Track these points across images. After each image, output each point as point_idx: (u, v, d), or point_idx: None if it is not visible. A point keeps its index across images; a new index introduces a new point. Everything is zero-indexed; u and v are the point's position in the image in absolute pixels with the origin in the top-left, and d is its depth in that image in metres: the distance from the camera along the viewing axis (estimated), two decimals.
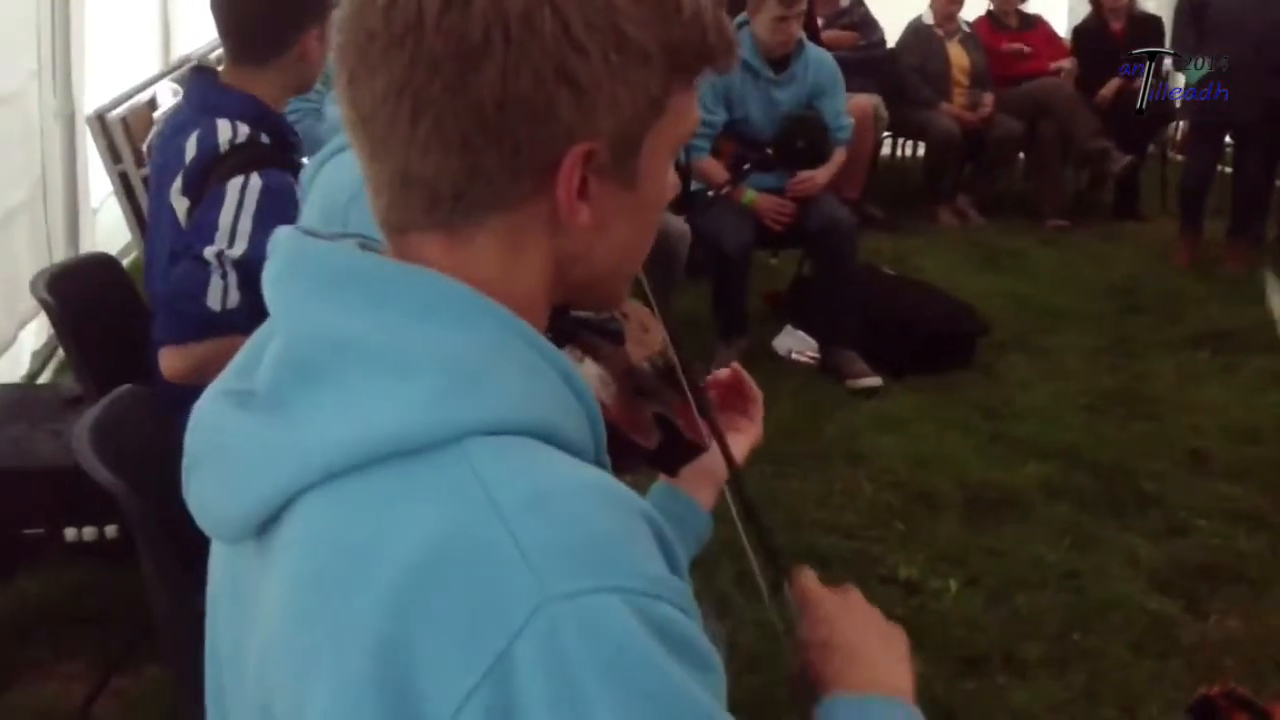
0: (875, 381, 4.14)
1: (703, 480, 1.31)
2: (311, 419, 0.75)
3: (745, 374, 1.38)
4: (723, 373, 1.38)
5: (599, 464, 0.86)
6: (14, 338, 3.31)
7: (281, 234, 0.85)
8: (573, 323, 1.10)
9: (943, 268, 5.53)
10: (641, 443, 1.10)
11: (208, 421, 0.84)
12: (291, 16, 2.22)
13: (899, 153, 7.30)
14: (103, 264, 2.55)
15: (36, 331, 3.69)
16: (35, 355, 3.72)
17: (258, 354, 0.82)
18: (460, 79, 0.74)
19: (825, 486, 3.45)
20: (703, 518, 1.30)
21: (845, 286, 4.27)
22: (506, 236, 0.80)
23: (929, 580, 2.99)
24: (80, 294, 2.37)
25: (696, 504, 1.30)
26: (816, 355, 4.39)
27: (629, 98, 0.77)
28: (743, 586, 2.87)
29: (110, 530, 2.74)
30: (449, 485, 0.71)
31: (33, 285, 2.31)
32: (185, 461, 0.85)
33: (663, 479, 1.33)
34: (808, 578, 1.16)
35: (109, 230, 4.40)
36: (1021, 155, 6.94)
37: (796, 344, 4.47)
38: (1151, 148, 6.87)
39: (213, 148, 2.16)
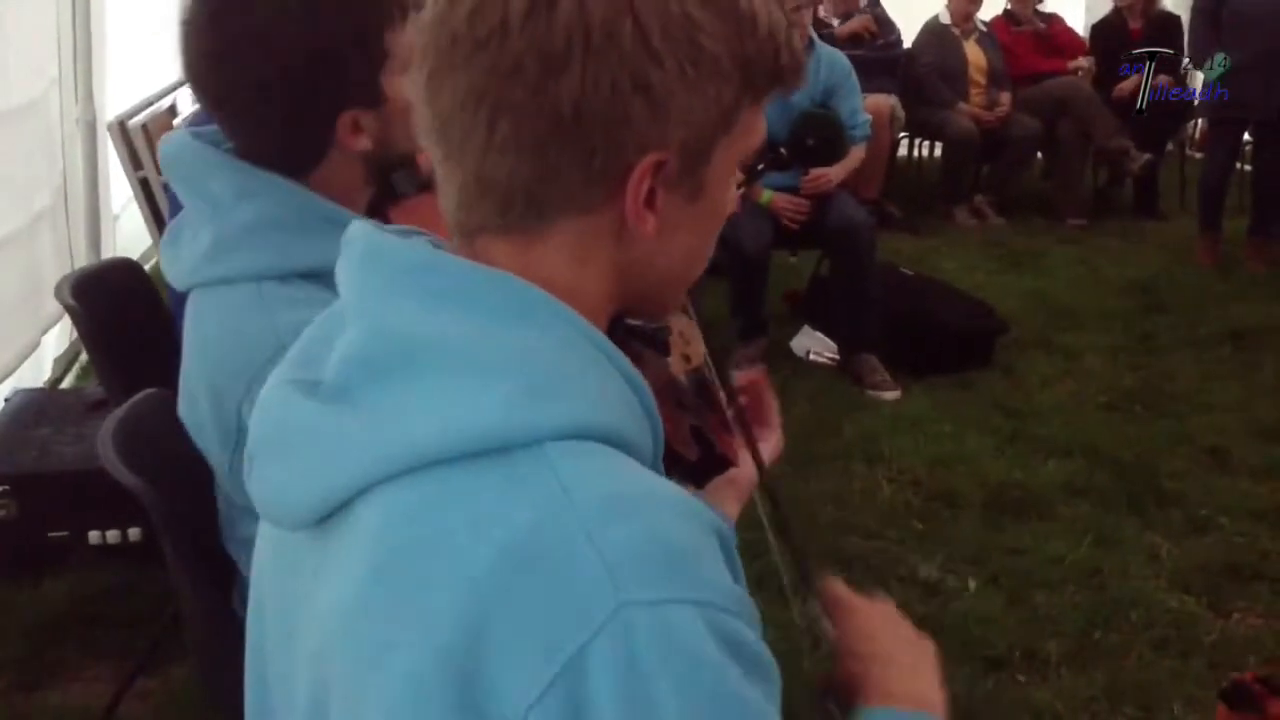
0: (895, 394, 4.13)
1: (728, 492, 1.31)
2: (390, 412, 0.76)
3: (765, 383, 1.39)
4: (744, 377, 1.38)
5: (654, 467, 0.86)
6: (37, 343, 3.35)
7: (356, 226, 0.86)
8: (624, 330, 1.11)
9: (961, 267, 5.52)
10: (684, 454, 1.11)
11: (275, 409, 0.85)
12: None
13: (916, 153, 7.29)
14: (126, 269, 2.57)
15: (59, 337, 3.73)
16: (58, 361, 3.75)
17: (323, 344, 0.83)
18: (541, 84, 0.75)
19: (844, 486, 3.45)
20: (728, 531, 1.31)
21: (864, 287, 4.27)
22: (574, 243, 0.82)
23: (948, 580, 2.98)
24: (104, 299, 2.39)
25: (722, 516, 1.31)
26: (835, 356, 4.39)
27: (702, 110, 0.79)
28: (764, 589, 2.86)
29: (134, 533, 2.77)
30: (530, 486, 0.72)
31: (57, 290, 2.33)
32: (249, 448, 0.87)
33: (690, 490, 1.33)
34: (839, 587, 1.16)
35: (130, 236, 4.44)
36: (1040, 155, 6.94)
37: (815, 345, 4.47)
38: (1170, 146, 6.86)
39: None
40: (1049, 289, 5.32)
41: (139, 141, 4.21)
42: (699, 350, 1.23)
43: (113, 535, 2.80)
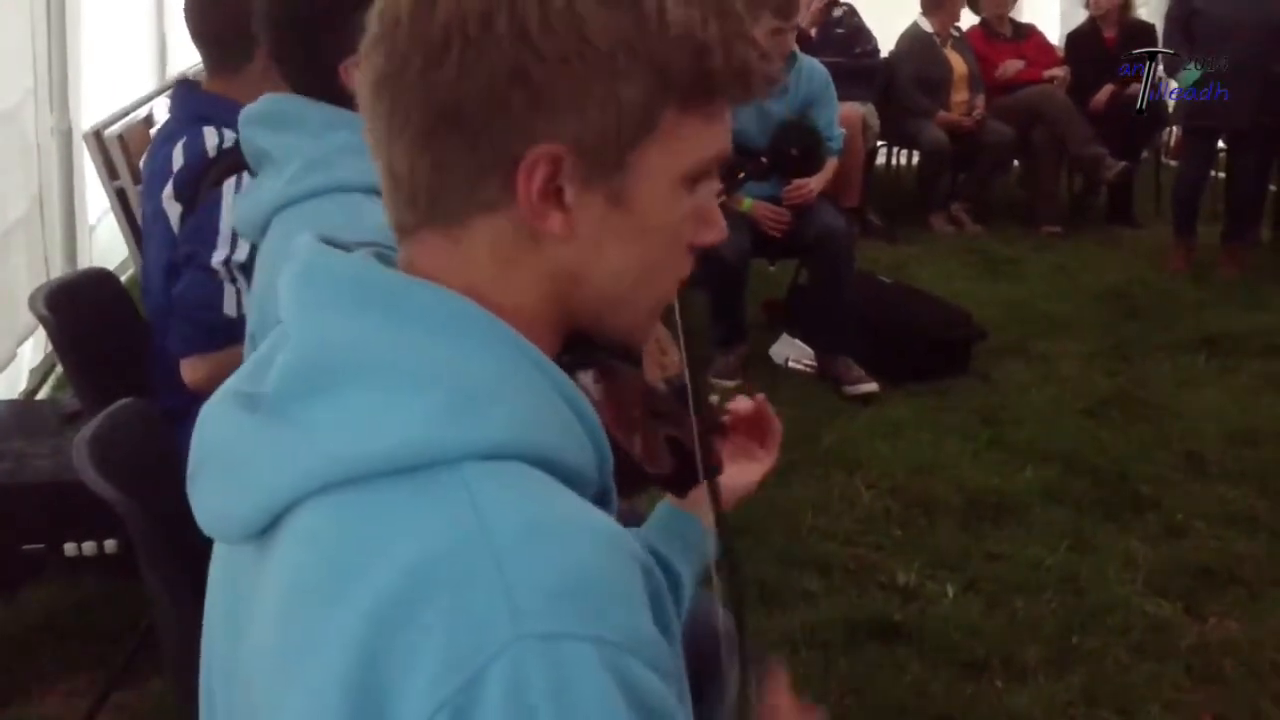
0: (872, 387, 4.16)
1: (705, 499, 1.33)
2: (316, 427, 0.76)
3: (768, 408, 1.39)
4: (744, 405, 1.38)
5: (603, 487, 0.86)
6: (13, 354, 3.33)
7: (300, 241, 0.86)
8: (590, 344, 1.10)
9: (939, 275, 5.54)
10: (652, 470, 1.10)
11: (215, 423, 0.85)
12: (246, 24, 2.24)
13: (894, 161, 7.33)
14: (100, 279, 2.56)
15: (34, 348, 3.70)
16: (34, 372, 3.72)
17: (270, 357, 0.83)
18: (423, 74, 0.77)
19: (824, 494, 3.46)
20: (706, 536, 1.30)
21: (842, 294, 4.29)
22: (491, 244, 0.81)
23: (927, 586, 2.99)
24: (78, 309, 2.38)
25: (700, 523, 1.31)
26: (814, 364, 4.41)
27: (594, 105, 0.77)
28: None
29: (110, 544, 2.74)
30: (443, 507, 0.71)
31: (31, 301, 2.31)
32: (191, 462, 0.86)
33: (669, 499, 1.33)
34: (781, 682, 1.16)
35: (106, 246, 4.41)
36: (1016, 163, 6.98)
37: (794, 352, 4.48)
38: (1145, 154, 6.90)
39: (200, 154, 2.19)
40: (1026, 296, 5.34)
41: (115, 151, 4.17)
42: (673, 359, 1.23)
43: (89, 547, 2.77)
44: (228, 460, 0.82)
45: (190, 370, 2.09)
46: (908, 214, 6.57)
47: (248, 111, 1.66)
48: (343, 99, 1.54)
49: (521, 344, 0.79)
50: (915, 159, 6.96)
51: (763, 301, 4.85)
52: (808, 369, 4.41)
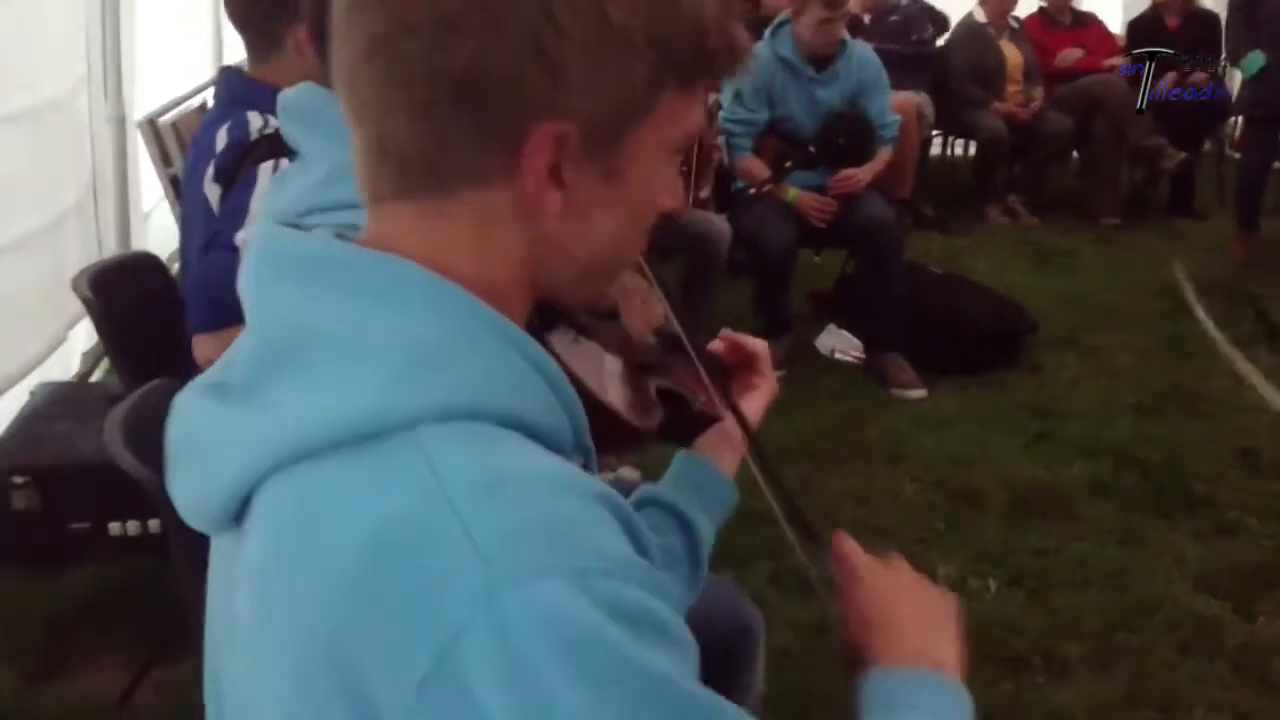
0: (921, 392, 4.10)
1: (722, 445, 1.30)
2: (273, 407, 0.75)
3: (737, 334, 1.36)
4: (715, 344, 1.36)
5: (581, 448, 0.85)
6: (64, 337, 3.37)
7: (258, 227, 0.86)
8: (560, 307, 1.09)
9: (993, 267, 5.47)
10: (642, 425, 1.09)
11: (186, 414, 0.85)
12: (273, 12, 2.29)
13: (950, 151, 7.24)
14: (145, 262, 2.59)
15: (88, 332, 3.76)
16: (85, 356, 3.78)
17: (241, 346, 0.83)
18: (434, 42, 0.74)
19: (865, 486, 3.42)
20: (724, 484, 1.29)
21: (890, 285, 4.23)
22: (478, 215, 0.80)
23: (969, 580, 2.95)
24: (121, 292, 2.41)
25: (716, 469, 1.29)
26: (860, 355, 4.36)
27: (608, 84, 0.77)
28: (778, 586, 2.86)
29: (154, 524, 2.79)
30: (401, 472, 0.71)
31: (75, 282, 2.35)
32: (166, 453, 0.86)
33: (681, 450, 1.32)
34: (849, 545, 1.14)
35: (160, 233, 4.46)
36: (1075, 153, 6.87)
37: (840, 343, 4.44)
38: (1208, 144, 6.76)
39: (243, 137, 2.21)
40: (1081, 289, 5.26)
41: (169, 140, 4.23)
42: (656, 309, 1.21)
43: (133, 526, 2.82)
44: (198, 449, 0.82)
45: (199, 347, 2.09)
46: (962, 205, 6.50)
47: (285, 99, 1.66)
48: None
49: (480, 309, 0.78)
50: (971, 149, 6.87)
51: (808, 292, 4.81)
52: (854, 360, 4.36)
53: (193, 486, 0.82)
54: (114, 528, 2.84)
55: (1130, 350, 4.53)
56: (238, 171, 2.20)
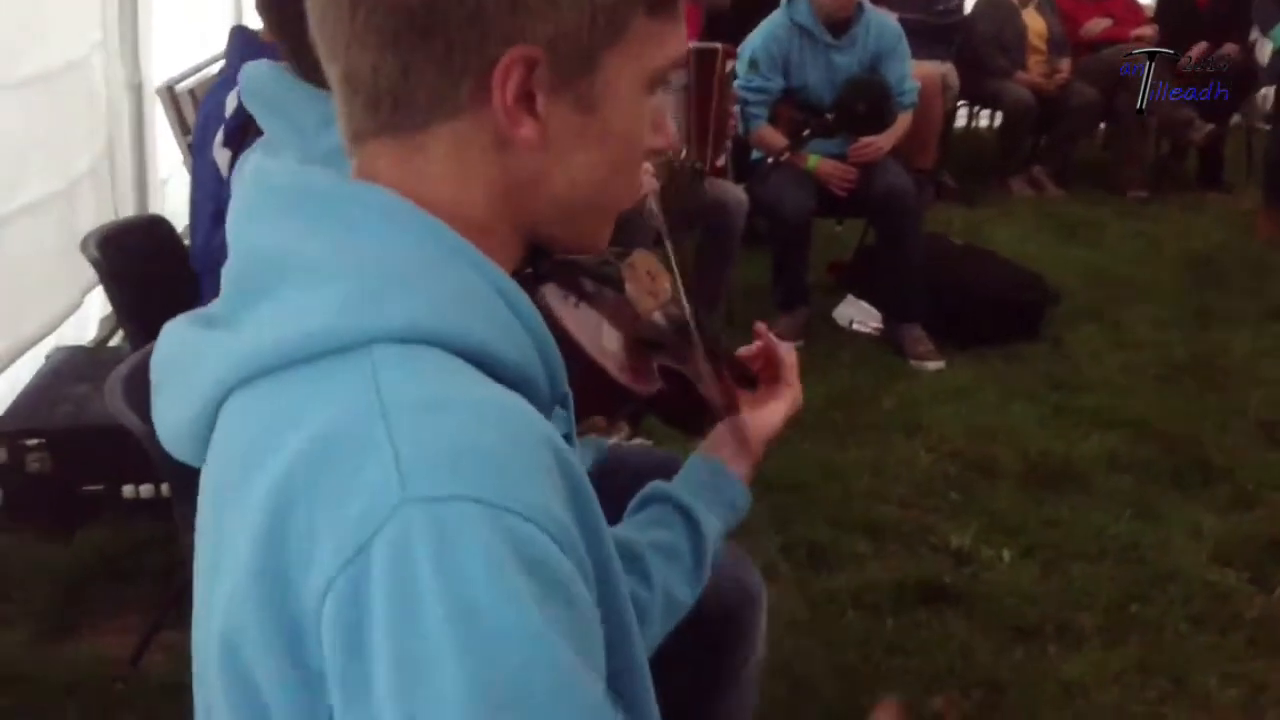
0: (939, 364, 4.05)
1: (739, 450, 1.29)
2: (245, 326, 0.77)
3: (773, 338, 1.36)
4: (751, 348, 1.35)
5: (557, 394, 0.85)
6: (79, 302, 3.38)
7: (249, 162, 0.87)
8: (561, 263, 1.09)
9: (1014, 238, 5.41)
10: (633, 386, 1.08)
11: (170, 341, 0.86)
12: None
13: (974, 123, 7.16)
14: (154, 225, 2.60)
15: (105, 298, 3.77)
16: (104, 321, 3.79)
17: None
18: None
19: (881, 456, 3.40)
20: (736, 486, 1.28)
21: (908, 256, 4.18)
22: (453, 148, 0.79)
23: (982, 550, 2.92)
24: (131, 253, 2.42)
25: (729, 471, 1.28)
26: (879, 326, 4.33)
27: (571, 5, 0.76)
28: (789, 556, 2.85)
29: (166, 488, 2.80)
30: (347, 386, 0.71)
31: (84, 243, 2.35)
32: (151, 382, 0.87)
33: (699, 449, 1.30)
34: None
35: (178, 200, 4.47)
36: (1102, 125, 6.78)
37: (858, 314, 4.41)
38: (1237, 117, 6.66)
39: None
40: (1105, 261, 5.20)
41: (187, 107, 4.23)
42: (664, 286, 1.20)
43: (146, 489, 2.84)
44: (175, 374, 0.83)
45: None
46: (986, 177, 6.43)
47: (248, 76, 1.61)
48: None
49: (453, 239, 0.78)
50: (997, 121, 6.80)
51: (829, 263, 4.77)
52: (873, 331, 4.33)
53: (169, 411, 0.84)
54: (127, 491, 2.86)
55: (1153, 323, 4.48)
56: (247, 135, 2.19)
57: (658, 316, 1.20)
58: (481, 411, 0.70)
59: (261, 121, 1.58)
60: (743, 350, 1.34)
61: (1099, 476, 3.31)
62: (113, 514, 2.83)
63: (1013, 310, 4.29)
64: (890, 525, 3.02)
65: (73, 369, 3.09)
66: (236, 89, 2.26)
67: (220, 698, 0.73)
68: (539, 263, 0.93)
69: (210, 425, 0.78)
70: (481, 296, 0.77)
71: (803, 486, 3.17)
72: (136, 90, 3.93)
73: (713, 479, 1.26)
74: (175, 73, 4.25)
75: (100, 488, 2.85)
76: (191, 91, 4.25)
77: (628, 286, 1.18)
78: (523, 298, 0.80)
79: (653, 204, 1.15)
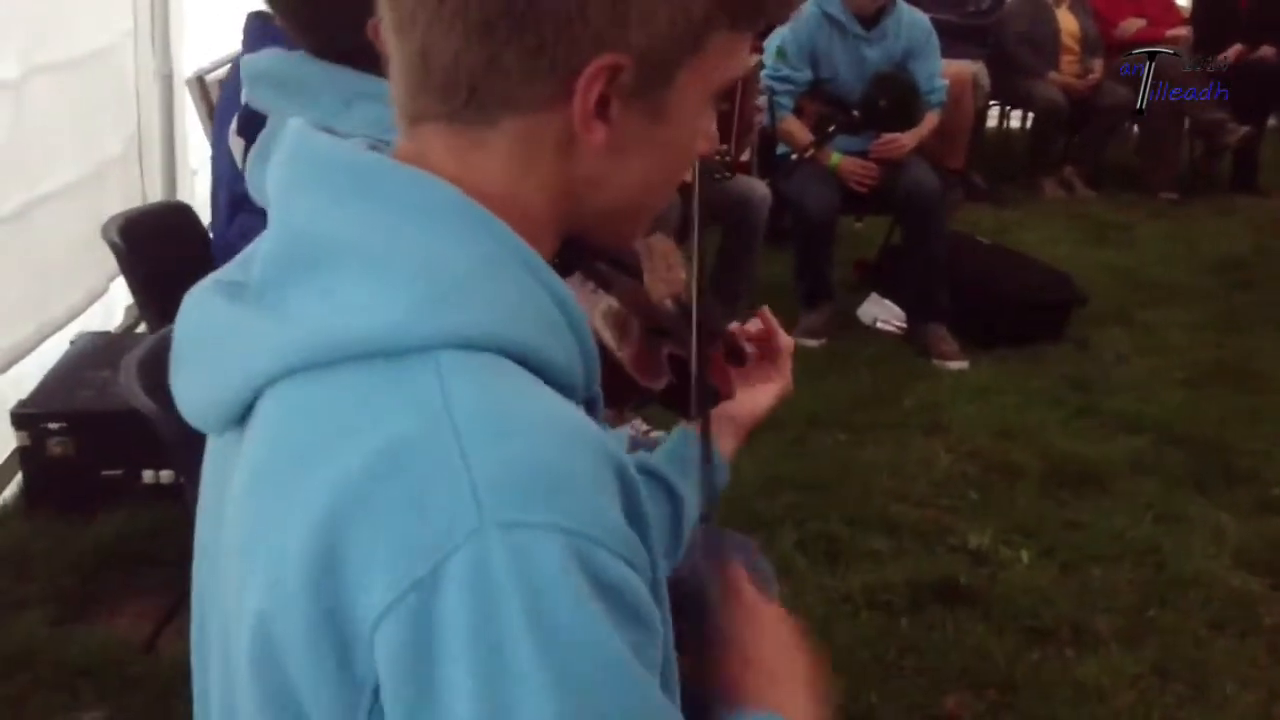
0: (963, 364, 4.02)
1: (723, 426, 1.29)
2: (291, 312, 0.75)
3: (775, 322, 1.36)
4: (752, 324, 1.35)
5: (590, 396, 0.84)
6: (105, 288, 3.41)
7: (290, 125, 0.84)
8: (584, 251, 1.08)
9: (1043, 240, 5.38)
10: (645, 383, 1.08)
11: (196, 312, 0.84)
12: None
13: (1006, 124, 7.11)
14: (177, 211, 2.61)
15: None
16: (129, 309, 3.82)
17: (259, 248, 0.81)
18: None
19: (900, 455, 3.38)
20: (718, 465, 1.27)
21: (933, 254, 4.15)
22: (517, 144, 0.78)
23: (1000, 550, 2.90)
24: (151, 239, 2.43)
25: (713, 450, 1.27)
26: (903, 325, 4.31)
27: (666, 19, 0.76)
28: (804, 551, 2.84)
29: None
30: (413, 393, 0.70)
31: (105, 229, 2.36)
32: (173, 350, 0.86)
33: (683, 422, 1.30)
34: (741, 578, 1.10)
35: (208, 191, 4.49)
36: (1135, 126, 6.72)
37: (882, 312, 4.39)
38: (1273, 119, 6.59)
39: None
40: (1134, 263, 5.16)
41: (216, 97, 4.26)
42: (679, 275, 1.20)
43: (165, 475, 2.86)
44: (207, 348, 0.81)
45: None
46: (1017, 178, 6.39)
47: (251, 65, 1.59)
48: (367, 61, 1.41)
49: (513, 241, 0.77)
50: (1028, 122, 6.75)
51: (855, 262, 4.75)
52: (896, 330, 4.31)
53: (199, 386, 0.82)
54: (147, 476, 2.88)
55: (1181, 326, 4.43)
56: (262, 125, 2.19)
57: (669, 302, 1.19)
58: (551, 432, 0.70)
59: (275, 108, 1.56)
60: (745, 327, 1.33)
61: (1121, 479, 3.28)
62: (132, 498, 2.85)
63: (1038, 311, 4.26)
64: (908, 524, 3.00)
65: (96, 354, 3.12)
66: None
67: (247, 684, 0.72)
68: (567, 253, 0.92)
69: (245, 410, 0.77)
70: (537, 302, 0.77)
71: (821, 483, 3.16)
72: (166, 80, 3.96)
73: (696, 455, 1.26)
74: (206, 63, 4.28)
75: (120, 472, 2.87)
76: (221, 82, 4.28)
77: (645, 272, 1.18)
78: (573, 303, 0.79)
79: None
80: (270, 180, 0.82)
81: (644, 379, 1.06)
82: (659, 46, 0.76)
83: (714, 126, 0.90)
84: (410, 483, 0.66)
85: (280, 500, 0.71)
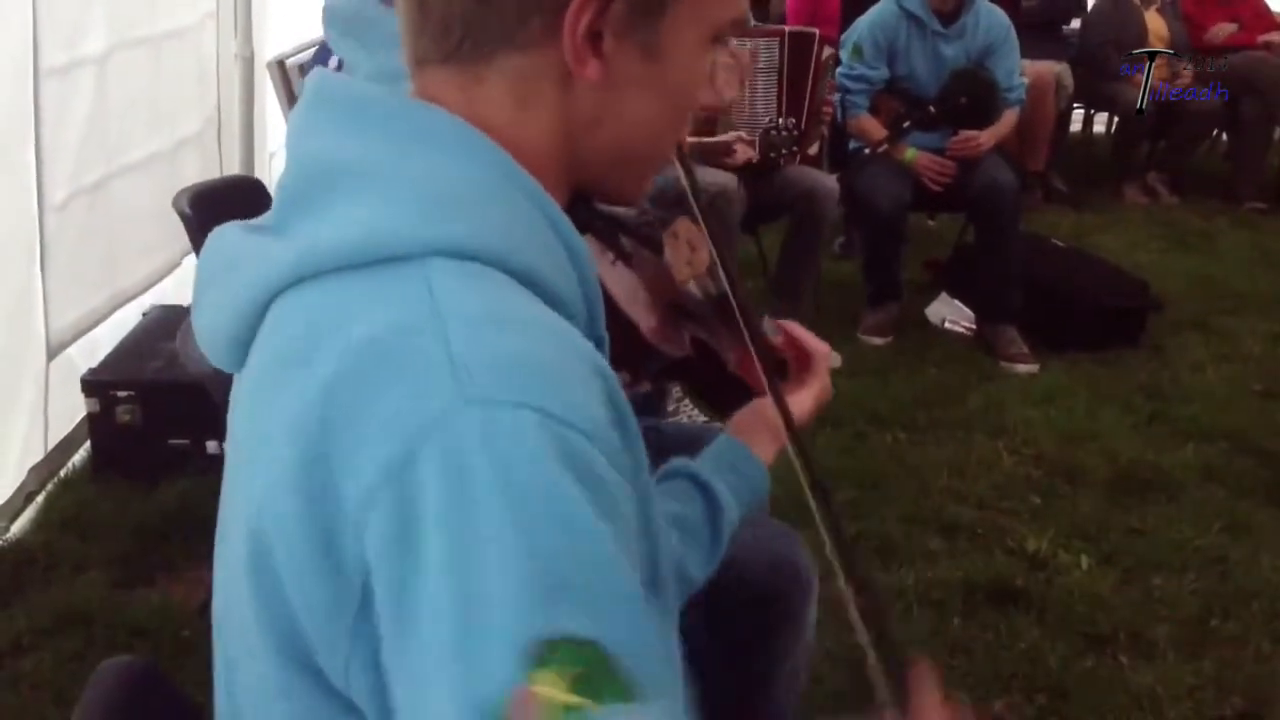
0: (1032, 368, 3.95)
1: (762, 432, 1.28)
2: (296, 234, 0.78)
3: (803, 330, 1.35)
4: (775, 337, 1.33)
5: (594, 336, 0.85)
6: (178, 262, 3.48)
7: (310, 76, 0.87)
8: (602, 217, 1.09)
9: (1122, 245, 5.27)
10: (660, 346, 1.08)
11: (218, 247, 0.87)
12: None
13: (1090, 128, 6.98)
14: (248, 185, 2.66)
15: None
16: None
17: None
18: None
19: (962, 456, 3.33)
20: (758, 469, 1.26)
21: (1006, 254, 4.07)
22: (516, 83, 0.81)
23: (1059, 555, 2.84)
24: (222, 211, 2.44)
25: (752, 455, 1.26)
26: (972, 326, 4.24)
27: None
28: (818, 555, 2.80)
29: None
30: (402, 291, 0.72)
31: (176, 199, 2.41)
32: (195, 286, 0.88)
33: (726, 429, 1.29)
34: (927, 691, 0.94)
35: None
36: (1223, 134, 6.56)
37: (951, 313, 4.32)
38: None
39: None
40: (1215, 271, 5.03)
41: (296, 80, 4.33)
42: (703, 258, 1.20)
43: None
44: (221, 276, 0.84)
45: None
46: (1099, 182, 6.26)
47: (331, 6, 1.64)
48: None
49: (514, 169, 0.79)
50: (1113, 125, 6.62)
51: (925, 260, 4.69)
52: (965, 330, 4.25)
53: (211, 311, 0.84)
54: (211, 446, 2.94)
55: (1260, 336, 4.31)
56: None
57: (692, 286, 1.19)
58: (538, 328, 0.72)
59: (337, 48, 1.60)
60: (772, 339, 1.32)
61: (1189, 488, 3.20)
62: (195, 468, 2.91)
63: (1112, 315, 4.17)
64: (965, 525, 2.96)
65: (166, 326, 3.18)
66: (334, 62, 2.30)
67: (247, 598, 0.74)
68: (579, 210, 0.93)
69: (253, 329, 0.79)
70: (535, 225, 0.79)
71: (879, 481, 3.12)
72: (247, 62, 4.03)
73: (737, 461, 1.26)
74: (288, 47, 4.35)
75: (185, 442, 2.94)
76: (301, 66, 4.34)
77: (667, 252, 1.18)
78: (572, 229, 0.81)
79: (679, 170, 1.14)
80: (288, 127, 0.86)
81: (658, 340, 1.07)
82: None
83: (723, 78, 0.92)
84: (394, 370, 0.68)
85: (275, 396, 0.74)
